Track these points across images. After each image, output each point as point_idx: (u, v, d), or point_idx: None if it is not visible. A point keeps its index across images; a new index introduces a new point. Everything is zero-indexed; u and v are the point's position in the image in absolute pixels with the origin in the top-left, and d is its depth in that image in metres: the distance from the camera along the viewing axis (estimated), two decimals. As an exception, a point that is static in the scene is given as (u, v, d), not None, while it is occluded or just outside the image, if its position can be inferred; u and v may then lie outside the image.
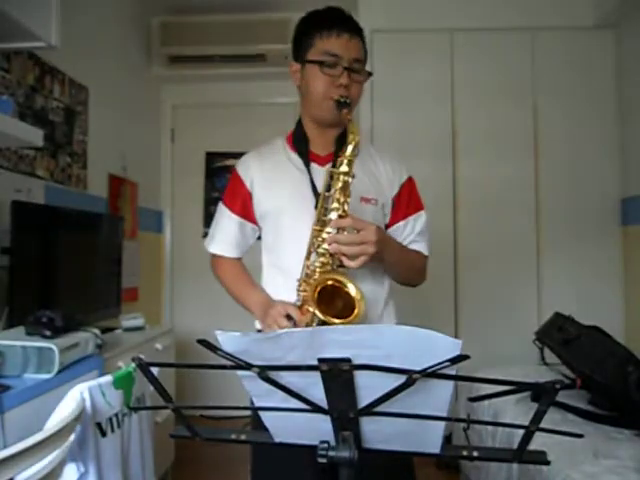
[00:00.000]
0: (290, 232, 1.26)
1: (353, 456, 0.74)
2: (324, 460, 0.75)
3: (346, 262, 1.09)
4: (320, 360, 0.67)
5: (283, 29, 3.36)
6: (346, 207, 1.12)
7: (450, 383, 0.68)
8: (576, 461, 1.43)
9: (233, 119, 3.80)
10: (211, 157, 3.84)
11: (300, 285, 1.15)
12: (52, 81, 2.37)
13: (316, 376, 0.69)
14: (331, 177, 1.14)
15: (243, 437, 0.84)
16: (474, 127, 3.03)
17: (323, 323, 1.04)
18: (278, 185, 1.29)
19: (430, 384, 0.67)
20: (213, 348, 0.69)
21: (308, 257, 1.15)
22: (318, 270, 1.12)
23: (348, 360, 0.66)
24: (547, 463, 0.75)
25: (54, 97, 2.38)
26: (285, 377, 0.72)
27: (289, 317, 1.12)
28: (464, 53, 3.06)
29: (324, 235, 1.12)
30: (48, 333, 1.48)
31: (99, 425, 1.31)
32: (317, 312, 1.04)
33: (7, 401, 1.22)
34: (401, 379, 0.67)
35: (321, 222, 1.14)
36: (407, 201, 1.32)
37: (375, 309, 1.27)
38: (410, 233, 1.32)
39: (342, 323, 1.04)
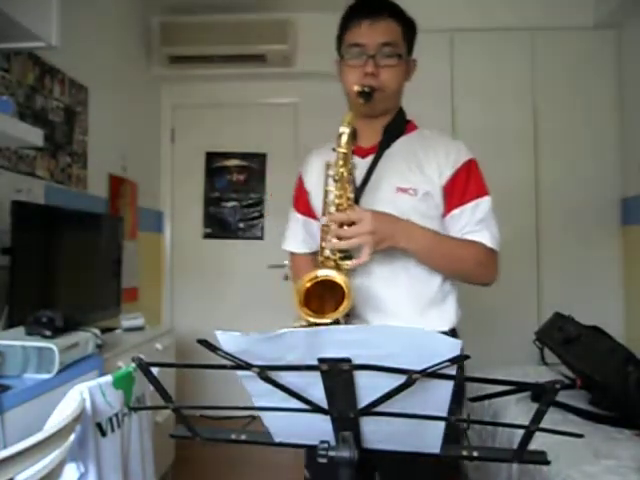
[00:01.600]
0: None
1: (353, 456, 0.74)
2: (324, 460, 0.75)
3: (353, 262, 1.06)
4: (320, 360, 0.67)
5: (283, 29, 3.36)
6: (347, 200, 1.09)
7: (450, 383, 0.68)
8: (576, 461, 1.43)
9: (233, 119, 3.80)
10: (211, 157, 3.84)
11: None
12: (52, 81, 2.36)
13: (316, 376, 0.69)
14: (327, 169, 1.13)
15: (243, 437, 0.84)
16: (474, 127, 3.03)
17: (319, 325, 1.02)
18: (321, 183, 1.25)
19: (430, 384, 0.67)
20: (213, 348, 0.69)
21: (321, 253, 1.12)
22: (321, 266, 1.10)
23: (348, 360, 0.66)
24: (547, 463, 0.75)
25: (54, 97, 2.38)
26: (285, 377, 0.72)
27: None
28: (464, 53, 3.06)
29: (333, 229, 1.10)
30: (48, 333, 1.47)
31: (99, 425, 1.31)
32: (307, 318, 1.01)
33: (7, 401, 1.22)
34: (401, 379, 0.67)
35: (326, 217, 1.12)
36: (463, 187, 1.19)
37: (410, 310, 1.19)
38: (468, 222, 1.18)
39: (333, 316, 1.01)
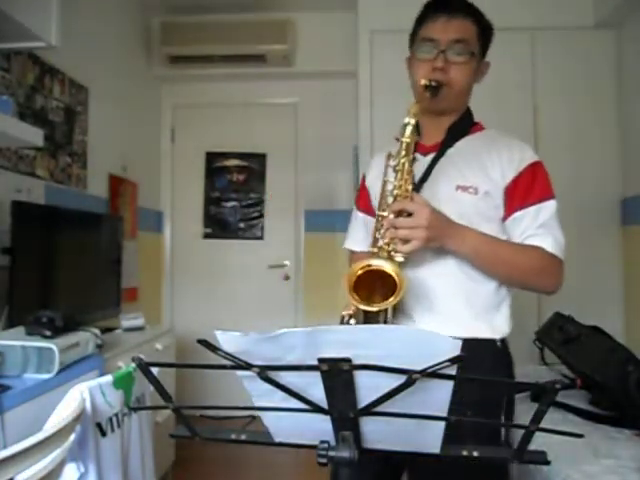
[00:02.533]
0: None
1: (353, 456, 0.74)
2: (324, 460, 0.75)
3: (399, 247, 1.04)
4: (320, 360, 0.67)
5: (283, 29, 3.36)
6: (406, 191, 1.06)
7: (450, 383, 0.68)
8: (576, 461, 1.43)
9: (233, 119, 3.80)
10: (211, 157, 3.84)
11: None
12: (52, 81, 2.37)
13: (316, 376, 0.68)
14: (388, 159, 1.12)
15: (243, 437, 0.84)
16: (474, 127, 3.03)
17: (366, 313, 1.01)
18: (380, 178, 1.23)
19: (430, 384, 0.67)
20: (213, 348, 0.68)
21: (374, 244, 1.09)
22: (373, 256, 1.07)
23: (348, 360, 0.66)
24: (547, 463, 0.75)
25: (54, 97, 2.38)
26: (285, 377, 0.72)
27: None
28: (464, 53, 3.05)
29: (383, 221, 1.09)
30: (48, 333, 1.48)
31: (99, 425, 1.31)
32: (355, 304, 1.00)
33: (7, 401, 1.22)
34: (401, 379, 0.67)
35: (383, 207, 1.11)
36: (526, 189, 1.15)
37: (462, 311, 1.16)
38: (529, 226, 1.13)
39: (387, 304, 0.99)
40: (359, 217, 1.37)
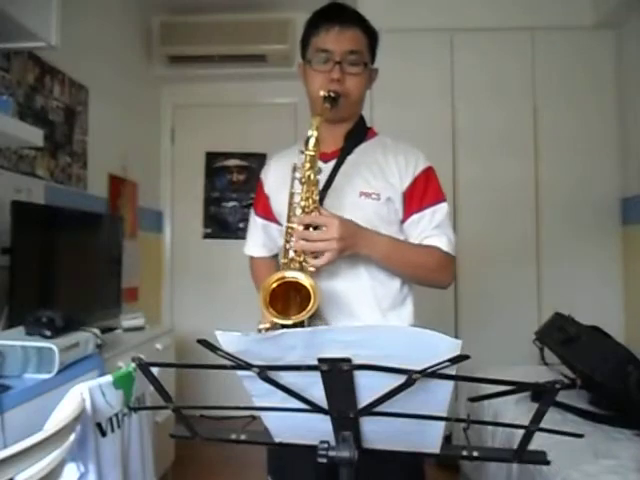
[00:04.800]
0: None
1: (353, 456, 0.74)
2: (324, 460, 0.75)
3: (311, 262, 1.07)
4: (320, 360, 0.67)
5: (283, 29, 3.36)
6: (313, 202, 1.10)
7: (450, 383, 0.68)
8: (576, 461, 1.43)
9: (233, 119, 3.80)
10: (211, 157, 3.84)
11: None
12: (52, 81, 2.37)
13: (316, 376, 0.69)
14: (294, 171, 1.14)
15: (243, 437, 0.84)
16: (474, 127, 3.03)
17: (283, 326, 1.01)
18: (282, 186, 1.27)
19: (430, 384, 0.67)
20: (213, 348, 0.69)
21: (284, 255, 1.13)
22: (284, 268, 1.10)
23: (348, 360, 0.66)
24: (547, 463, 0.75)
25: (54, 97, 2.38)
26: (285, 377, 0.72)
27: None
28: (464, 53, 3.06)
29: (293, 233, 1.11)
30: (48, 333, 1.47)
31: (99, 425, 1.31)
32: (272, 318, 1.01)
33: (7, 401, 1.22)
34: (401, 379, 0.67)
35: (291, 220, 1.13)
36: (422, 193, 1.24)
37: (373, 312, 1.21)
38: (426, 227, 1.23)
39: (299, 317, 1.01)
40: (258, 222, 1.40)
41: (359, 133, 1.31)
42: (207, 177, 3.84)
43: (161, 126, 3.80)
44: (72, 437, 1.17)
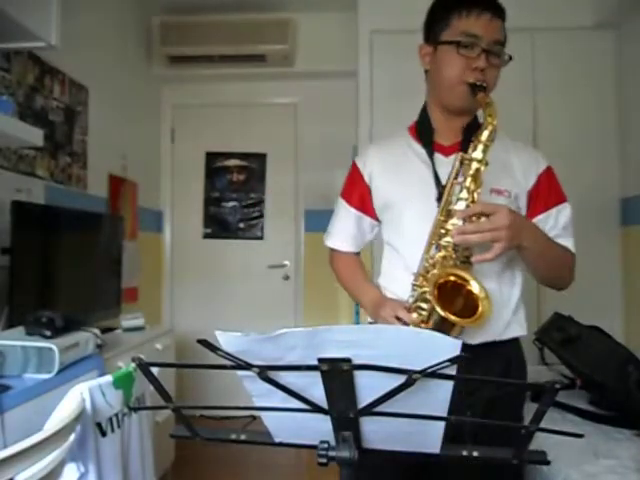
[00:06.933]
0: (410, 226, 1.19)
1: (353, 456, 0.74)
2: (324, 460, 0.75)
3: (479, 257, 1.02)
4: (320, 360, 0.67)
5: (283, 29, 3.36)
6: (476, 197, 1.04)
7: (450, 383, 0.68)
8: (576, 461, 1.43)
9: (233, 119, 3.80)
10: (211, 157, 3.84)
11: (417, 280, 1.09)
12: (52, 81, 2.37)
13: (316, 376, 0.69)
14: (461, 163, 1.07)
15: (243, 437, 0.84)
16: (474, 127, 3.03)
17: (443, 320, 0.99)
18: (399, 178, 1.22)
19: (430, 384, 0.67)
20: (213, 348, 0.68)
21: (428, 250, 1.08)
22: (439, 265, 1.06)
23: (348, 360, 0.66)
24: (547, 463, 0.75)
25: (54, 97, 2.38)
26: (285, 377, 0.72)
27: (398, 318, 1.08)
28: (464, 53, 3.05)
29: (448, 226, 1.05)
30: (48, 333, 1.48)
31: (99, 425, 1.31)
32: (437, 307, 0.99)
33: (7, 401, 1.22)
34: (401, 379, 0.67)
35: (446, 212, 1.07)
36: (547, 192, 1.21)
37: (502, 315, 1.16)
38: (553, 227, 1.19)
39: (465, 323, 0.99)
40: (352, 213, 1.30)
41: (476, 127, 1.23)
42: (207, 177, 3.84)
43: (161, 126, 3.80)
44: (72, 437, 1.17)
